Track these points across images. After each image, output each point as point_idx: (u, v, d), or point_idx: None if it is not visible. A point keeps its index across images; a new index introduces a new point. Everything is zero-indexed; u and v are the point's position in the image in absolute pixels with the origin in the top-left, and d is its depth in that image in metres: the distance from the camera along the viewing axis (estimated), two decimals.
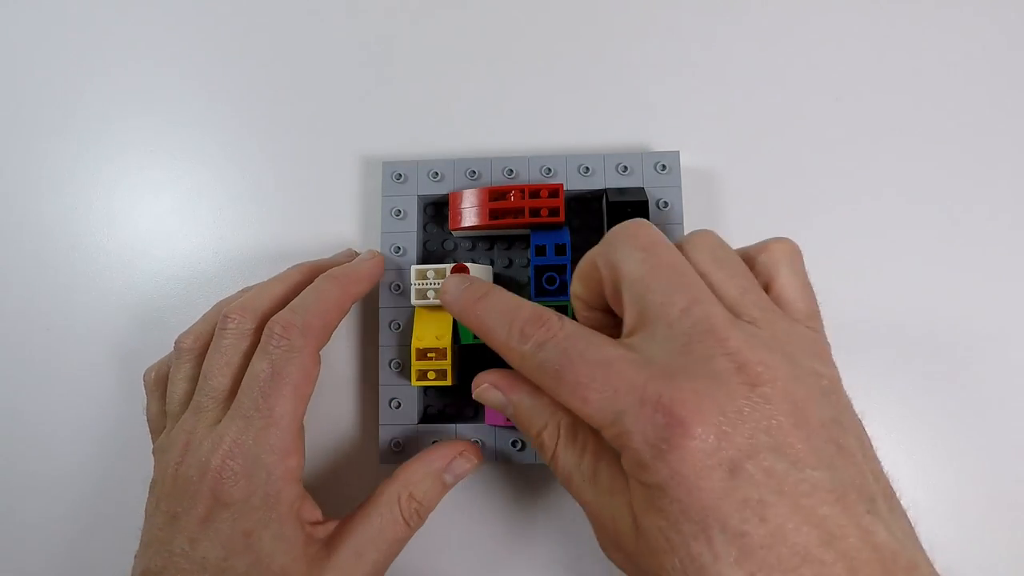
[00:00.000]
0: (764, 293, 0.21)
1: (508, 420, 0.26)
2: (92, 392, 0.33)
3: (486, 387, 0.24)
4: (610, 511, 0.20)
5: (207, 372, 0.26)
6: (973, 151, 0.32)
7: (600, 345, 0.20)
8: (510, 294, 0.24)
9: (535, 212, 0.28)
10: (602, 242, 0.22)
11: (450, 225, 0.30)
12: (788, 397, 0.18)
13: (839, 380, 0.20)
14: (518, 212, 0.28)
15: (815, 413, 0.18)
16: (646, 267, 0.20)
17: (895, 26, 0.33)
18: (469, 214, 0.29)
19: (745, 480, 0.17)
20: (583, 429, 0.22)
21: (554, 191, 0.28)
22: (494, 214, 0.29)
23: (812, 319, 0.22)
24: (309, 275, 0.29)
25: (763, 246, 0.23)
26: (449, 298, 0.25)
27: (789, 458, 0.17)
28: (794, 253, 0.23)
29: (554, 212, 0.28)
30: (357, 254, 0.32)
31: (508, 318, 0.22)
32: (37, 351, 0.33)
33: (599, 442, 0.22)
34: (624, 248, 0.21)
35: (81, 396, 0.33)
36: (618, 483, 0.20)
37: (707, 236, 0.22)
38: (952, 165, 0.32)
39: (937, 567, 0.18)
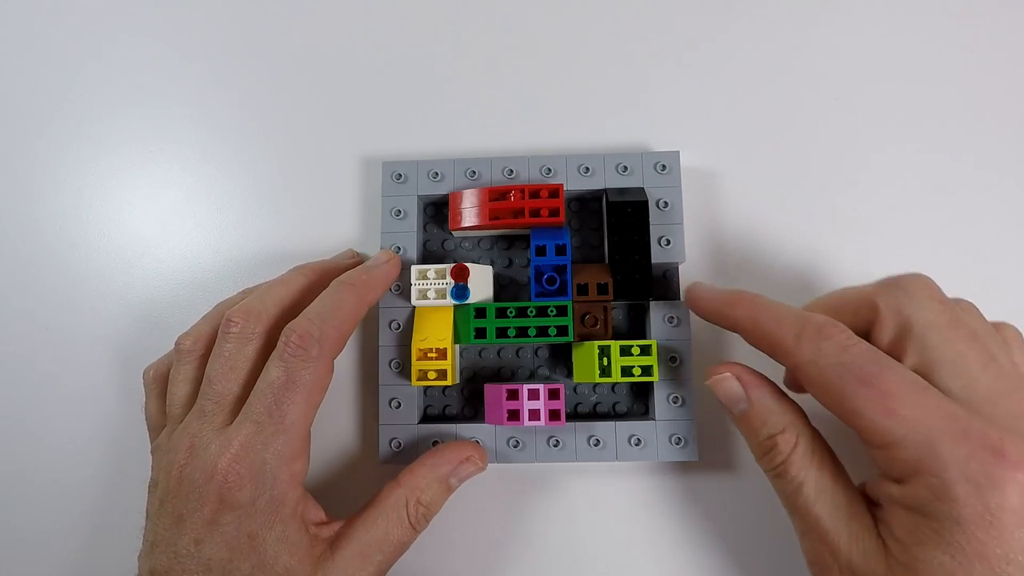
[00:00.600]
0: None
1: (509, 419, 0.26)
2: (92, 391, 0.33)
3: (728, 376, 0.24)
4: (846, 532, 0.21)
5: (211, 376, 0.26)
6: (974, 149, 0.32)
7: (906, 367, 0.21)
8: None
9: (535, 212, 0.28)
10: (884, 285, 0.23)
11: (450, 225, 0.30)
12: None
13: None
14: (518, 212, 0.28)
15: None
16: (944, 319, 0.22)
17: (894, 26, 0.33)
18: (469, 214, 0.29)
19: None
20: (821, 444, 0.23)
21: (554, 191, 0.28)
22: (494, 214, 0.28)
23: None
24: (312, 277, 0.29)
25: (1000, 325, 0.24)
26: (703, 293, 0.26)
27: None
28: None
29: (554, 212, 0.28)
30: (357, 254, 0.32)
31: (798, 319, 0.23)
32: (37, 350, 0.33)
33: (836, 462, 0.23)
34: (922, 298, 0.22)
35: (81, 395, 0.33)
36: (856, 507, 0.21)
37: (975, 307, 0.24)
38: (953, 163, 0.32)
39: None
